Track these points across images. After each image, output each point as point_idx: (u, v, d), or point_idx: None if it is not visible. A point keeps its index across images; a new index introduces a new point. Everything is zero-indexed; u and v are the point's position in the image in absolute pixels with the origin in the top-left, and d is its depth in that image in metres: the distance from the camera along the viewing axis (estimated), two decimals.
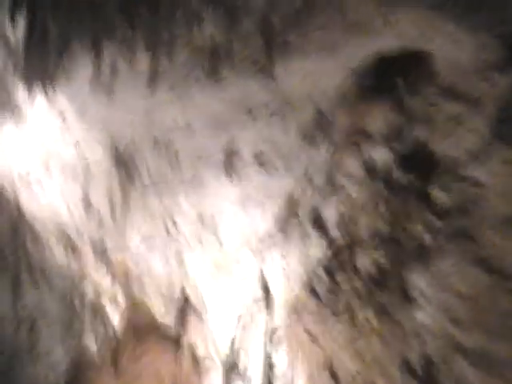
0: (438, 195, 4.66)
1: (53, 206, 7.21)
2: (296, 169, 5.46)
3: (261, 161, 5.37)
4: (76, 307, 9.85)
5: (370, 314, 5.56)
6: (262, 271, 6.44)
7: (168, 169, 5.80)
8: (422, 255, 4.82)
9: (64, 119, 6.14)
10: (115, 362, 7.57)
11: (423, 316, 4.87)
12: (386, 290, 5.48)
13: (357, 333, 5.80)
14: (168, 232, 6.51)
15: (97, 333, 9.44)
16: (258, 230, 6.09)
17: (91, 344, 9.01)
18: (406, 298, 5.10)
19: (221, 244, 6.25)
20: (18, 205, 7.98)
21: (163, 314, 7.50)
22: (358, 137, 5.55)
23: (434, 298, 4.71)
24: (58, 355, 10.41)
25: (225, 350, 7.10)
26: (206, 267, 6.52)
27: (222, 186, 5.66)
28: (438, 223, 4.63)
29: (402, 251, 5.27)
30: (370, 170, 5.65)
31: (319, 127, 5.05)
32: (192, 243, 6.31)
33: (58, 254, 8.31)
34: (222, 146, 5.25)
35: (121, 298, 8.22)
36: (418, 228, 4.89)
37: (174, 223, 6.35)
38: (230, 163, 5.41)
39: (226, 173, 5.41)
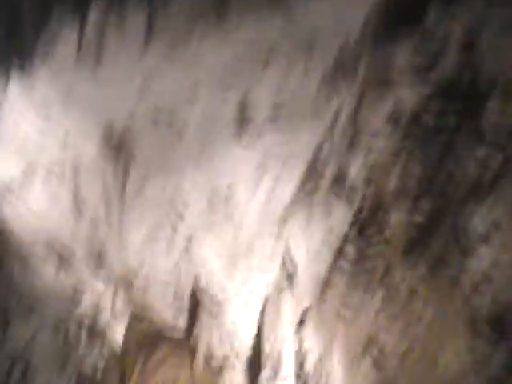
0: (491, 120, 4.15)
1: (41, 217, 6.49)
2: (319, 124, 4.92)
3: (280, 118, 4.81)
4: (72, 335, 9.03)
5: (414, 281, 4.98)
6: (285, 250, 5.82)
7: (171, 146, 5.19)
8: (479, 192, 4.28)
9: (47, 107, 5.46)
10: (124, 381, 6.76)
11: (487, 262, 4.33)
12: (430, 249, 4.92)
13: (401, 306, 5.20)
14: (175, 222, 5.85)
15: (99, 357, 8.65)
16: (280, 201, 5.49)
17: (93, 372, 8.19)
18: (461, 248, 4.53)
19: (239, 223, 5.62)
20: (1, 225, 7.18)
21: (173, 318, 6.79)
22: (384, 82, 5.04)
23: (497, 236, 4.15)
24: None
25: (248, 345, 6.43)
26: (222, 253, 5.87)
27: (237, 153, 5.08)
28: (495, 152, 4.11)
29: (451, 198, 4.73)
30: (399, 117, 5.13)
31: (343, 72, 4.54)
32: (205, 228, 5.67)
33: (49, 274, 7.53)
34: (234, 106, 4.69)
35: (124, 310, 7.48)
36: (471, 165, 4.37)
37: (183, 208, 5.69)
38: (244, 125, 4.84)
39: (241, 137, 4.82)
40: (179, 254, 6.06)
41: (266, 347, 6.04)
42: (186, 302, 6.59)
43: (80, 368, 8.76)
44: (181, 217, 5.64)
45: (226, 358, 6.72)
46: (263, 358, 6.10)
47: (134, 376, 6.71)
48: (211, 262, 6.01)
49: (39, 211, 6.42)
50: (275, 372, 5.79)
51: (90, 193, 5.96)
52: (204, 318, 6.34)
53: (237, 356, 6.53)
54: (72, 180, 5.99)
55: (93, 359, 8.81)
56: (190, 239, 5.85)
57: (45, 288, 8.14)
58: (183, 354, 6.68)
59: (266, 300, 6.02)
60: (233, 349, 6.48)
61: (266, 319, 6.04)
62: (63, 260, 7.06)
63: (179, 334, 6.97)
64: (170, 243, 5.98)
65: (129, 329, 7.13)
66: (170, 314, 6.82)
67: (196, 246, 5.87)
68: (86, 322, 8.55)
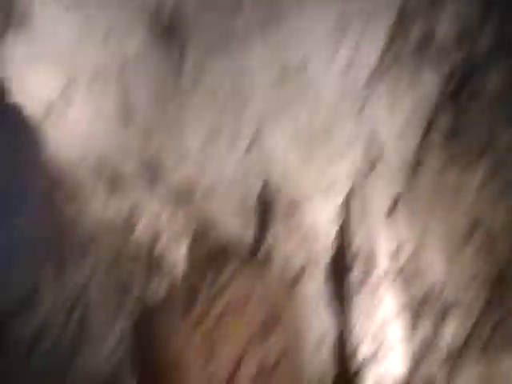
0: None
1: (86, 135, 5.82)
2: None
3: None
4: (128, 270, 8.47)
5: None
6: (368, 129, 5.14)
7: (232, 17, 4.47)
8: None
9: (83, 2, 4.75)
10: (189, 306, 6.18)
11: None
12: None
13: (509, 179, 4.54)
14: (240, 110, 5.16)
15: (158, 287, 8.12)
16: (362, 70, 4.79)
17: (154, 304, 7.60)
18: None
19: (315, 101, 4.94)
20: (49, 152, 6.48)
21: (240, 229, 6.16)
22: None
23: None
24: (111, 343, 9.08)
25: (330, 247, 5.81)
26: (295, 142, 5.20)
27: (310, 13, 4.37)
28: None
29: None
30: None
31: None
32: (275, 112, 4.99)
33: (100, 202, 6.88)
34: None
35: (184, 230, 6.88)
36: None
37: (249, 90, 5.00)
38: None
39: None
40: (245, 150, 5.42)
41: (353, 245, 5.43)
42: (253, 209, 5.97)
43: (139, 303, 8.22)
44: (247, 102, 4.98)
45: (303, 266, 6.12)
46: (350, 258, 5.49)
47: (200, 299, 6.12)
48: (283, 153, 5.37)
49: (84, 128, 5.77)
50: (367, 271, 5.17)
51: (139, 95, 5.32)
52: (276, 225, 5.72)
53: (316, 262, 5.93)
54: (117, 83, 5.33)
55: (152, 291, 8.30)
56: (257, 128, 5.19)
57: (96, 221, 7.53)
58: (254, 269, 6.07)
59: (350, 190, 5.38)
60: (312, 254, 5.88)
61: (351, 212, 5.41)
62: (114, 182, 6.43)
63: (248, 247, 6.36)
64: (233, 138, 5.35)
65: (190, 250, 6.54)
66: (236, 225, 6.21)
67: (265, 135, 5.22)
68: (143, 252, 7.99)
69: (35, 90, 5.62)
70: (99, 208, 7.03)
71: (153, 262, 7.69)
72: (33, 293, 8.09)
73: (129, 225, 7.20)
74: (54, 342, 8.28)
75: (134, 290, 8.06)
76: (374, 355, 4.91)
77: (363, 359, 4.93)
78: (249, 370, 5.43)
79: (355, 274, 5.34)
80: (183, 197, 6.35)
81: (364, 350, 4.98)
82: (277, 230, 5.89)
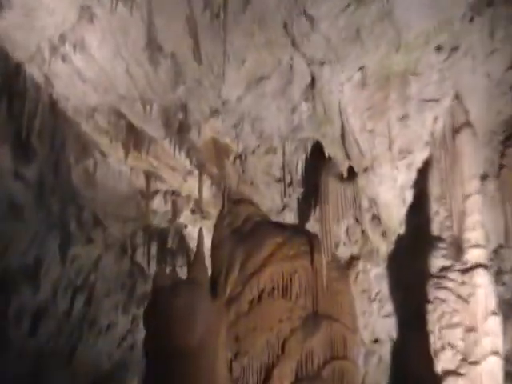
0: None
1: (105, 70, 4.75)
2: None
3: None
4: (141, 254, 7.40)
5: None
6: (455, 85, 4.03)
7: None
8: None
9: None
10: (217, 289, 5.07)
11: None
12: None
13: None
14: (294, 47, 4.04)
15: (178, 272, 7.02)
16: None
17: (171, 290, 6.40)
18: None
19: (400, 25, 3.83)
20: (52, 99, 5.40)
21: (282, 196, 5.06)
22: None
23: None
24: (121, 328, 8.19)
25: (401, 217, 4.67)
26: (365, 92, 4.07)
27: None
28: None
29: None
30: None
31: None
32: (341, 50, 3.87)
33: (115, 159, 5.79)
34: None
35: (214, 195, 5.76)
36: None
37: (311, 21, 3.89)
38: None
39: None
40: (297, 101, 4.28)
41: (430, 230, 4.25)
42: (298, 179, 4.83)
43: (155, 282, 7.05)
44: (304, 36, 3.87)
45: (356, 253, 5.00)
46: (425, 244, 4.32)
47: (232, 278, 5.02)
48: (345, 105, 4.24)
49: (102, 61, 4.69)
50: (449, 262, 4.01)
51: (168, 27, 4.29)
52: (325, 200, 4.54)
53: (373, 250, 4.79)
54: (145, 14, 4.31)
55: (172, 269, 7.21)
56: (315, 72, 4.06)
57: (109, 187, 6.44)
58: (295, 252, 4.94)
59: (427, 161, 4.22)
60: (369, 239, 4.75)
61: (429, 188, 4.25)
62: (133, 132, 5.35)
63: (290, 226, 5.24)
64: (283, 86, 4.23)
65: (221, 220, 5.43)
66: (275, 197, 5.08)
67: (323, 81, 4.09)
68: (159, 230, 6.90)
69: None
70: (113, 168, 5.93)
71: (172, 238, 6.58)
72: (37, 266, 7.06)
73: (146, 192, 6.11)
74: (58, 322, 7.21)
75: (145, 277, 6.94)
76: (458, 368, 3.78)
77: (442, 371, 3.80)
78: (287, 370, 4.35)
79: (434, 265, 4.18)
80: (215, 152, 5.26)
81: (443, 360, 3.84)
82: (325, 207, 4.78)
